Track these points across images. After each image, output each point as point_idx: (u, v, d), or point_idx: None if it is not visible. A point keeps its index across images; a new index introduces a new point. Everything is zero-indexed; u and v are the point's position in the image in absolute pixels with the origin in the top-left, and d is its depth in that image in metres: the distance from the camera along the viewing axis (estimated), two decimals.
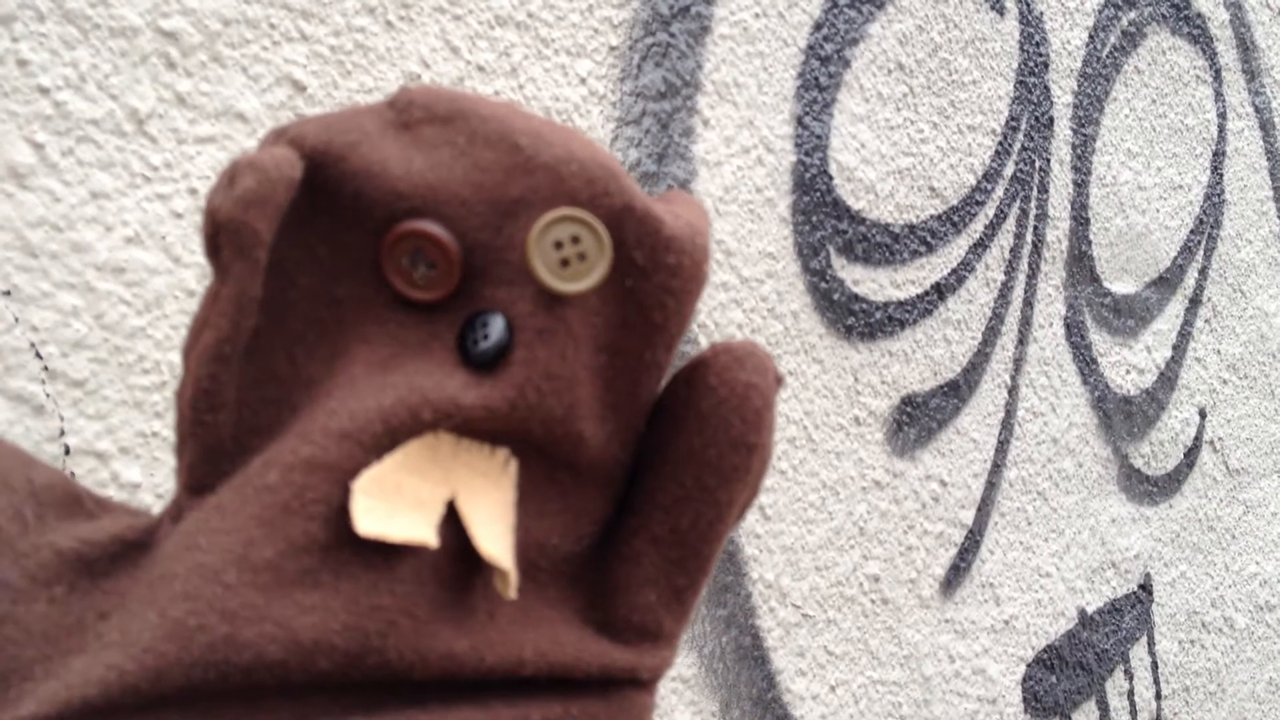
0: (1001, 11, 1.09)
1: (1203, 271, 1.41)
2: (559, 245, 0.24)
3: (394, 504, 0.23)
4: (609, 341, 0.25)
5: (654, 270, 0.24)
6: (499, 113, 0.24)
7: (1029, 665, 1.19)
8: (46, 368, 0.56)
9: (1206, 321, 1.42)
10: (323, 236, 0.24)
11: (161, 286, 0.58)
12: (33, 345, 0.56)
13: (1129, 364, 1.31)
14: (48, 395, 0.56)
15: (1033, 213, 1.15)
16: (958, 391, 1.08)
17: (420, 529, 0.23)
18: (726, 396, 0.25)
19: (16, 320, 0.55)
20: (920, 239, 1.02)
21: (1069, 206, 1.20)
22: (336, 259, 0.24)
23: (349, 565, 0.22)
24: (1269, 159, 1.50)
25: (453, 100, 0.24)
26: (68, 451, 0.57)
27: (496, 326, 0.24)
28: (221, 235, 0.23)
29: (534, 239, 0.24)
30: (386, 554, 0.23)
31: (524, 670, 0.24)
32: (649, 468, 0.25)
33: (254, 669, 0.22)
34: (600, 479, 0.25)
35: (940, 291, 1.05)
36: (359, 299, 0.24)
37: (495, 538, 0.23)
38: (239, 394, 0.24)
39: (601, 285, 0.24)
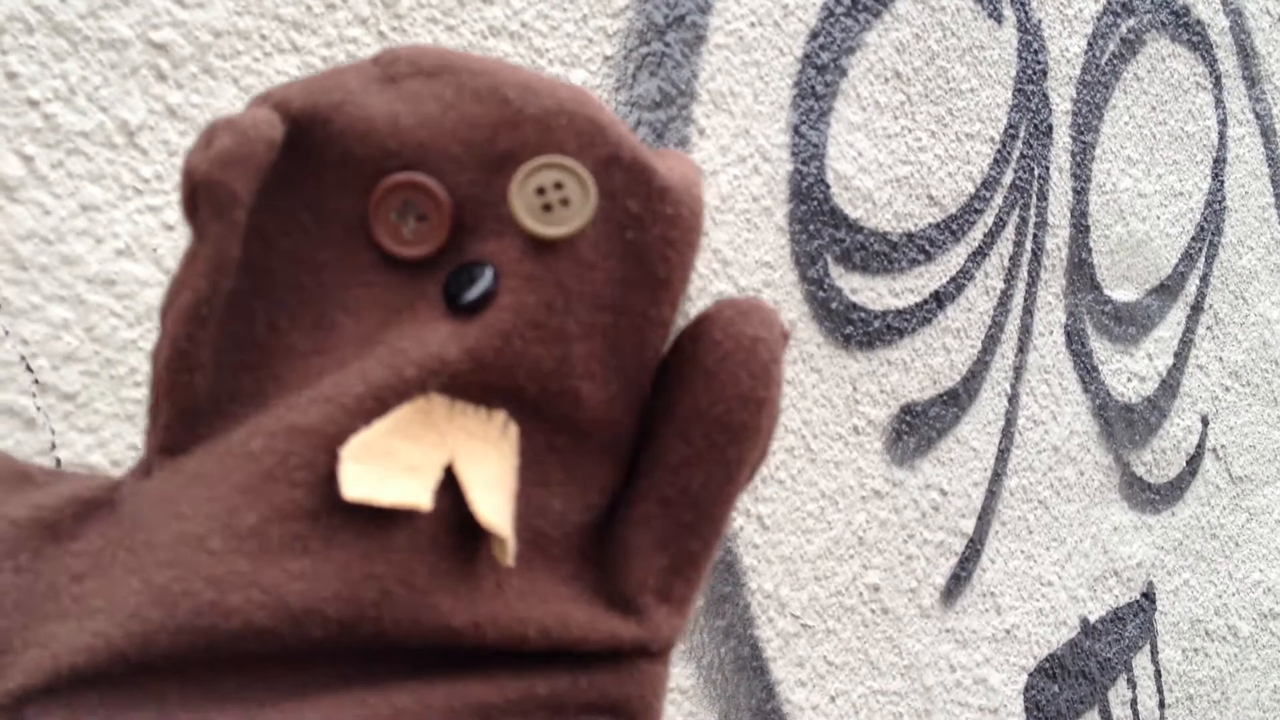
0: (999, 19, 1.08)
1: (1204, 279, 1.40)
2: (541, 191, 0.24)
3: (385, 469, 0.22)
4: (612, 299, 0.24)
5: (653, 221, 0.24)
6: (488, 67, 0.24)
7: (1031, 675, 1.18)
8: (37, 381, 0.56)
9: (1208, 329, 1.42)
10: (306, 201, 0.24)
11: (153, 299, 0.58)
12: (23, 358, 0.55)
13: (1130, 371, 1.31)
14: (38, 409, 0.56)
15: (1032, 220, 1.15)
16: (957, 400, 1.08)
17: (413, 492, 0.22)
18: (733, 350, 0.24)
19: (6, 333, 0.55)
20: (919, 247, 1.02)
21: (1069, 214, 1.19)
22: (321, 224, 0.24)
23: (340, 533, 0.22)
24: (1270, 165, 1.50)
25: (440, 55, 0.24)
26: (59, 465, 0.57)
27: (484, 274, 0.23)
28: (199, 195, 0.22)
29: (516, 184, 0.24)
30: (380, 522, 0.22)
31: (528, 645, 0.23)
32: (656, 429, 0.25)
33: (243, 636, 0.21)
34: (605, 445, 0.25)
35: (939, 300, 1.05)
36: (343, 264, 0.24)
37: (494, 504, 0.23)
38: (217, 357, 0.23)
39: (587, 230, 0.24)
